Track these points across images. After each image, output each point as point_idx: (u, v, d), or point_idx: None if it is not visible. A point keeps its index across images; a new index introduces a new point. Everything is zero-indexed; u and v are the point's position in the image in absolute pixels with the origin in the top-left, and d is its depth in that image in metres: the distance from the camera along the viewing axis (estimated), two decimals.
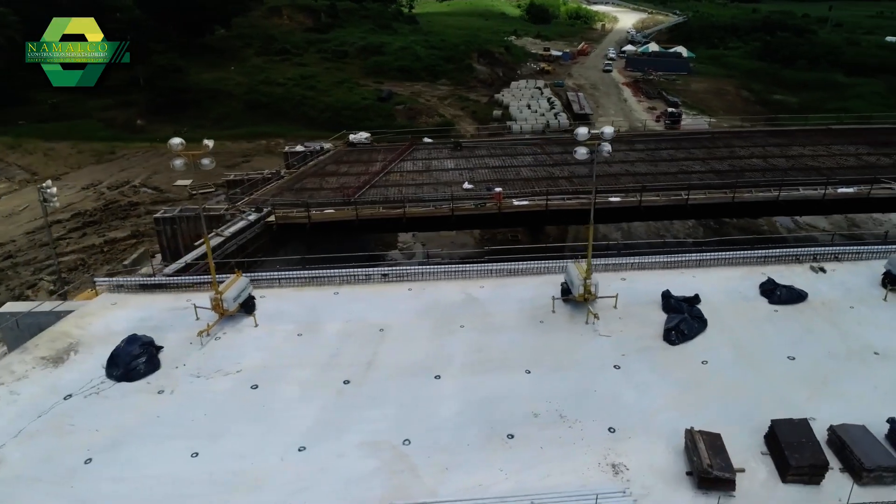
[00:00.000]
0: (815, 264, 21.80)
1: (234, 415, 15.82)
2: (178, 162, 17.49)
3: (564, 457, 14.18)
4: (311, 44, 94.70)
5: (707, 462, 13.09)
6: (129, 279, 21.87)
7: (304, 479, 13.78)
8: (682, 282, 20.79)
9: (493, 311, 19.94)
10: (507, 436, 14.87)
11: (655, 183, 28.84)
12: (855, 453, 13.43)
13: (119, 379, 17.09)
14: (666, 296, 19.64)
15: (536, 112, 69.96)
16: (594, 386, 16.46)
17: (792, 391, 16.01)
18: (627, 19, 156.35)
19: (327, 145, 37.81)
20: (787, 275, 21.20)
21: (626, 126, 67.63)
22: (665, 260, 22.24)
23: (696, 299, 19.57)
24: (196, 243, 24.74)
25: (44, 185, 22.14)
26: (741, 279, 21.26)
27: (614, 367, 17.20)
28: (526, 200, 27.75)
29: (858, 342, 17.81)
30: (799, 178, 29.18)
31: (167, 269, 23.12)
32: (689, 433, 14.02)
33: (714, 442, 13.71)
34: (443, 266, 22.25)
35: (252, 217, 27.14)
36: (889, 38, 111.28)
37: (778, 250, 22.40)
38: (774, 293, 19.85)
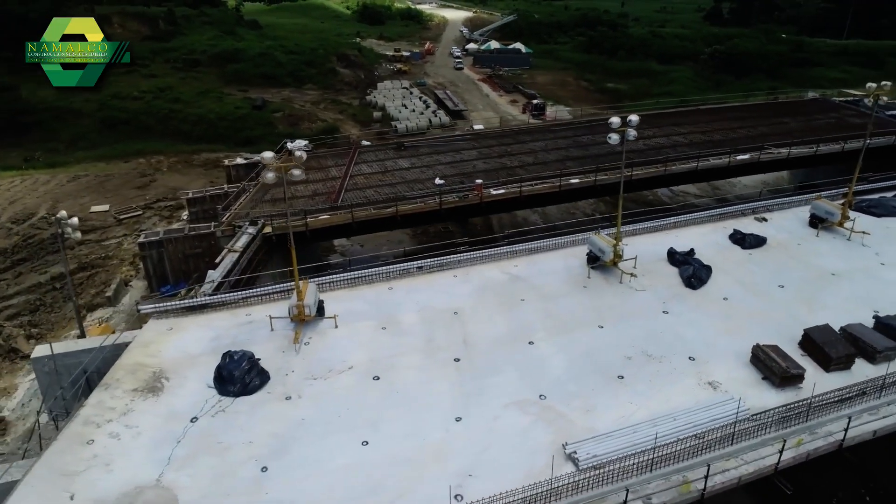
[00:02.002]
0: (757, 216, 27.41)
1: (376, 404, 17.00)
2: (270, 175, 17.94)
3: (671, 384, 17.53)
4: (155, 53, 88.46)
5: (784, 365, 17.17)
6: (173, 304, 21.26)
7: (478, 442, 15.64)
8: (670, 241, 25.06)
9: (538, 284, 22.70)
10: (618, 377, 17.86)
11: (607, 163, 32.91)
12: (867, 342, 18.33)
13: (237, 394, 17.29)
14: (671, 252, 23.82)
15: (415, 111, 72.73)
16: (657, 328, 20.01)
17: (795, 308, 20.87)
18: (455, 18, 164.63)
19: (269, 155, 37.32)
20: (741, 226, 26.52)
21: (498, 119, 73.08)
22: (650, 225, 26.49)
23: (692, 253, 23.92)
24: (217, 260, 24.30)
25: None
26: (712, 233, 26.20)
27: (663, 312, 20.91)
28: (502, 189, 30.73)
29: (817, 269, 23.34)
30: (702, 153, 35.33)
31: (203, 289, 22.63)
32: (757, 347, 18.08)
33: (777, 351, 17.90)
34: (470, 253, 24.38)
35: (251, 230, 26.98)
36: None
37: (730, 208, 27.75)
38: (745, 240, 24.94)
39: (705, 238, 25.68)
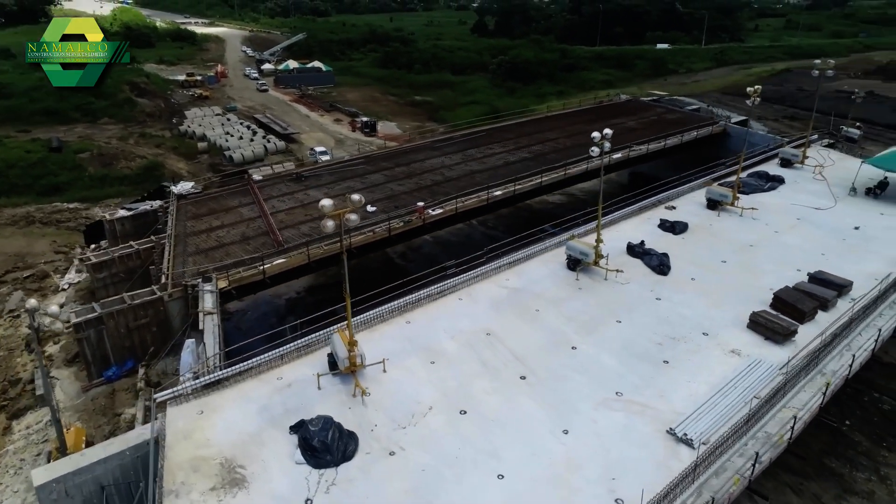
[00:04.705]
0: (666, 205, 31.86)
1: (482, 436, 16.98)
2: (330, 223, 16.71)
3: (707, 359, 20.23)
4: None
5: (784, 323, 20.84)
6: (188, 385, 18.41)
7: (596, 447, 16.66)
8: (615, 236, 28.11)
9: (539, 292, 24.07)
10: (664, 361, 20.07)
11: (498, 180, 35.09)
12: (819, 295, 22.90)
13: (337, 463, 15.99)
14: (630, 246, 26.83)
15: (243, 139, 68.85)
16: (662, 314, 22.68)
17: (743, 277, 25.09)
18: (230, 37, 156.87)
19: (155, 204, 32.99)
20: (657, 216, 30.68)
21: (332, 140, 72.46)
22: (592, 226, 29.22)
23: (643, 244, 27.20)
24: (201, 327, 21.35)
25: None
26: (643, 224, 29.93)
27: (656, 299, 23.67)
28: (440, 209, 31.31)
29: (738, 242, 28.16)
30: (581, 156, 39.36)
31: (208, 362, 19.76)
32: (755, 314, 21.59)
33: (769, 313, 21.58)
34: (458, 277, 24.74)
35: (209, 287, 24.01)
36: None
37: (646, 201, 31.79)
38: (674, 227, 28.95)
39: (640, 229, 29.25)
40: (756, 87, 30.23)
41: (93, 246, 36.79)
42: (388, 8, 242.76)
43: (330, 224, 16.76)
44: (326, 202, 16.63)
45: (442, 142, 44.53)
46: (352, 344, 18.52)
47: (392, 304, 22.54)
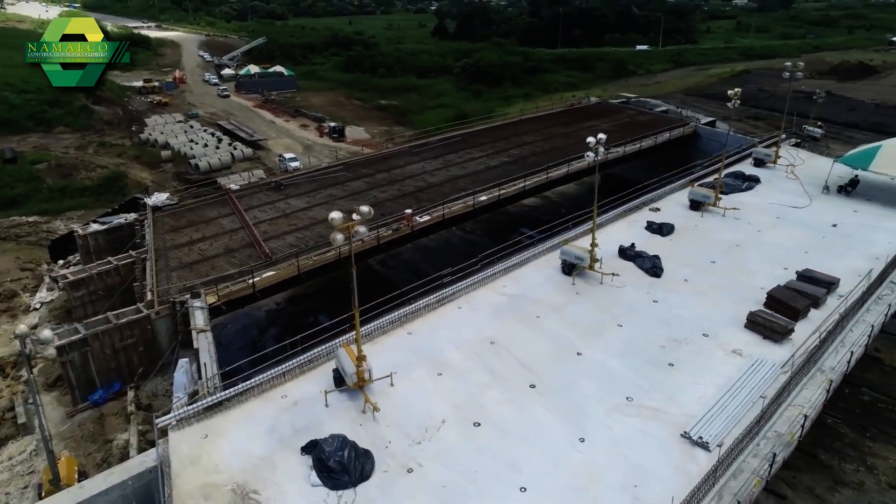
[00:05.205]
0: (650, 207, 32.21)
1: (499, 447, 16.73)
2: (340, 237, 16.24)
3: (710, 360, 20.43)
4: None
5: (783, 322, 21.22)
6: (190, 408, 17.61)
7: (614, 454, 16.60)
8: (608, 239, 28.18)
9: (537, 298, 23.96)
10: (669, 364, 20.18)
11: (481, 185, 35.03)
12: (810, 293, 23.42)
13: (356, 483, 15.55)
14: (622, 249, 26.98)
15: (208, 146, 67.11)
16: (661, 316, 22.85)
17: (734, 277, 25.50)
18: (186, 41, 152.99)
19: (130, 217, 31.63)
20: (643, 218, 31.00)
21: (300, 146, 71.28)
22: (584, 229, 29.36)
23: (633, 246, 27.40)
24: (196, 346, 20.48)
25: None
26: (630, 227, 30.18)
27: (653, 301, 23.83)
28: (427, 216, 30.94)
29: (724, 242, 28.63)
30: (567, 157, 39.44)
31: (207, 382, 18.93)
32: (752, 314, 21.92)
33: (767, 312, 21.95)
34: (456, 285, 24.44)
35: (198, 303, 23.10)
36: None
37: (631, 203, 32.06)
38: (662, 229, 29.27)
39: (628, 232, 29.49)
40: (736, 89, 30.87)
41: (60, 262, 35.18)
42: (345, 11, 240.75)
43: (339, 237, 16.30)
44: (336, 215, 16.18)
45: (420, 147, 44.13)
46: (360, 359, 18.03)
47: (392, 315, 22.11)
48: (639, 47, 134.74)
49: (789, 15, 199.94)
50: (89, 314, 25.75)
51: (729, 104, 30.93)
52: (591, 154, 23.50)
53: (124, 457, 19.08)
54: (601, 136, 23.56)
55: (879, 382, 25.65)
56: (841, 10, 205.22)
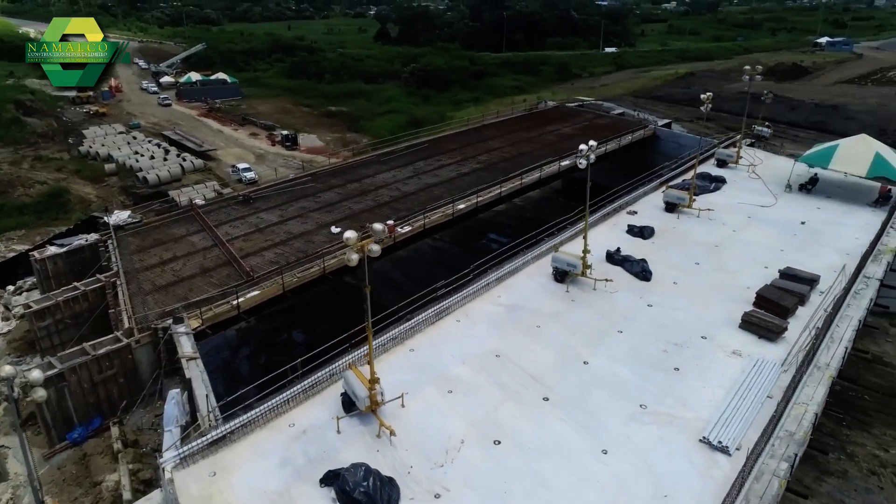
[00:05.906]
0: (628, 210, 32.59)
1: (524, 465, 16.37)
2: (355, 257, 15.50)
3: (713, 362, 20.70)
4: None
5: (778, 321, 21.73)
6: (194, 444, 16.44)
7: (639, 464, 16.49)
8: (592, 244, 28.01)
9: (535, 307, 23.74)
10: (675, 369, 20.32)
11: (456, 192, 34.70)
12: (795, 291, 24.11)
13: None
14: (609, 254, 27.13)
15: (154, 158, 64.24)
16: (659, 320, 23.03)
17: (719, 277, 26.05)
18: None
19: (91, 237, 29.55)
20: (622, 221, 31.33)
21: (252, 155, 69.19)
22: (567, 235, 29.38)
23: (619, 251, 27.60)
24: (188, 376, 19.19)
25: None
26: (611, 231, 30.42)
27: (648, 305, 24.00)
28: (408, 227, 30.30)
29: (704, 244, 29.23)
30: (538, 162, 39.59)
31: (208, 414, 17.73)
32: (747, 314, 22.39)
33: (760, 312, 22.44)
34: (450, 298, 23.91)
35: (182, 329, 21.73)
36: None
37: (608, 208, 32.32)
38: (643, 233, 29.62)
39: (610, 236, 29.68)
40: (708, 93, 31.69)
41: (10, 287, 32.76)
42: (282, 16, 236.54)
43: (355, 257, 15.57)
44: (350, 234, 15.43)
45: (387, 155, 43.37)
46: (374, 381, 17.31)
47: (393, 331, 21.41)
48: (608, 49, 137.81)
49: (717, 18, 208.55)
50: (56, 345, 24.01)
51: (702, 108, 31.71)
52: (583, 161, 23.48)
53: (117, 500, 17.74)
54: (592, 142, 23.61)
55: (846, 371, 26.73)
56: (763, 14, 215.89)
